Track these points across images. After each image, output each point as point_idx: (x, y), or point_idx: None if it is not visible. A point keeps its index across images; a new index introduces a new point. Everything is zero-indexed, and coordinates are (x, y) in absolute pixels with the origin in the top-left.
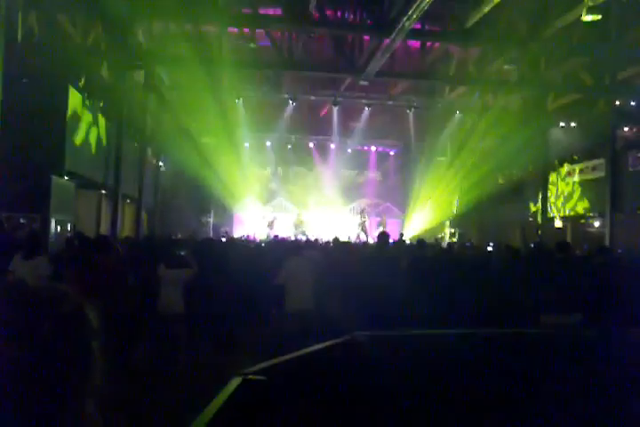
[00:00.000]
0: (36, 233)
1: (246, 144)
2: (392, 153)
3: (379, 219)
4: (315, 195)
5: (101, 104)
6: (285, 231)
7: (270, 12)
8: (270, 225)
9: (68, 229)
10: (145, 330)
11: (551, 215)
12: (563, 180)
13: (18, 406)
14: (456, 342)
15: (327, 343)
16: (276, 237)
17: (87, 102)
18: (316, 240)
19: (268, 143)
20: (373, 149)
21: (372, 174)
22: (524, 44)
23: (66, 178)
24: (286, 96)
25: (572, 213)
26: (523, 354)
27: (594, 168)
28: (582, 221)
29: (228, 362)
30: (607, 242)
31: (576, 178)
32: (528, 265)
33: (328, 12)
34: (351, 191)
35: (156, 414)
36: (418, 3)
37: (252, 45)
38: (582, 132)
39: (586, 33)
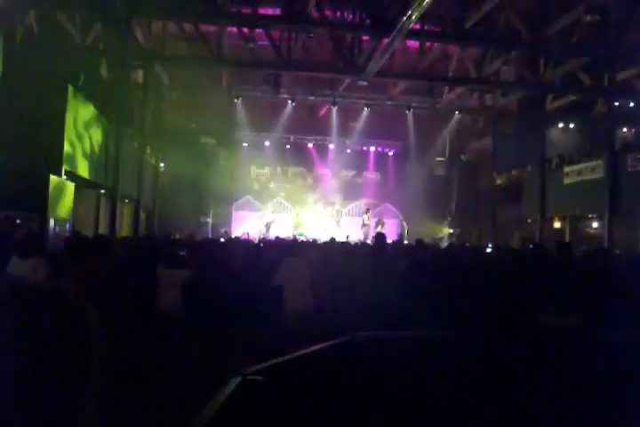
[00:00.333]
0: (34, 233)
1: (245, 144)
2: (391, 153)
3: (376, 219)
4: (313, 195)
5: (100, 103)
6: (284, 232)
7: (270, 11)
8: (267, 227)
9: (67, 228)
10: (144, 330)
11: (550, 216)
12: (562, 180)
13: (17, 405)
14: (456, 343)
15: (327, 344)
16: (277, 238)
17: (86, 102)
18: (315, 240)
19: (267, 143)
20: (372, 149)
21: (371, 175)
22: (523, 45)
23: (64, 177)
24: (285, 96)
25: (570, 214)
26: (522, 354)
27: (592, 169)
28: (581, 221)
29: (227, 362)
30: (605, 243)
31: (575, 179)
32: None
33: (327, 12)
34: (350, 191)
35: (155, 414)
36: (417, 3)
37: (251, 45)
38: (581, 133)
39: (584, 34)
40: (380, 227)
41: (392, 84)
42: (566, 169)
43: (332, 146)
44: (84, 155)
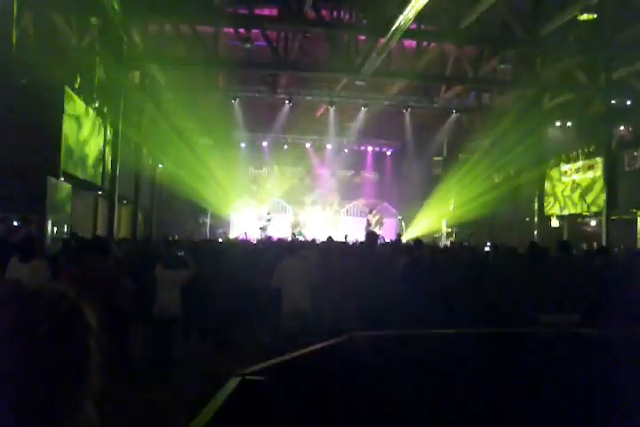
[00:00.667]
0: (32, 235)
1: (242, 144)
2: (388, 153)
3: (375, 219)
4: (311, 195)
5: (97, 105)
6: (282, 232)
7: (266, 12)
8: (263, 229)
9: (65, 230)
10: (143, 330)
11: (548, 214)
12: (559, 179)
13: (16, 406)
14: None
15: (325, 343)
16: (269, 238)
17: (83, 103)
18: (313, 240)
19: (265, 143)
20: (370, 148)
21: (369, 174)
22: (520, 44)
23: (62, 179)
24: (282, 96)
25: (568, 213)
26: (522, 354)
27: (590, 167)
28: (579, 220)
29: (226, 362)
30: (603, 241)
31: (572, 177)
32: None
33: (324, 12)
34: (348, 191)
35: (155, 414)
36: (413, 3)
37: (247, 45)
38: (578, 132)
39: (581, 32)
40: (379, 227)
41: (389, 84)
42: (564, 167)
43: (329, 146)
44: (82, 156)
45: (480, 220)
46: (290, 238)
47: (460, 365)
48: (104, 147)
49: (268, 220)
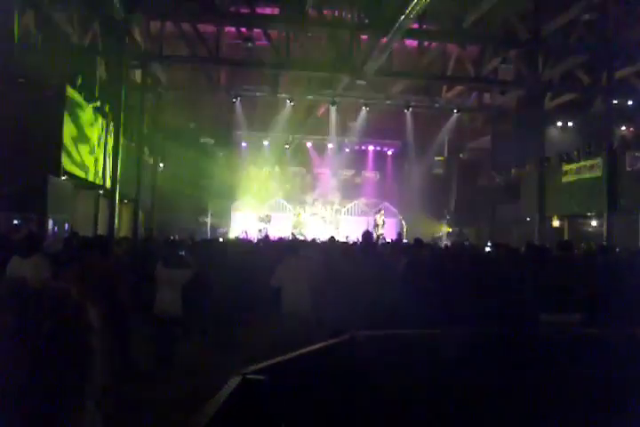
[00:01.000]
0: (33, 232)
1: (244, 144)
2: (390, 152)
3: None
4: (312, 195)
5: (99, 103)
6: (282, 232)
7: (268, 11)
8: (261, 232)
9: (65, 229)
10: (143, 330)
11: (549, 214)
12: (560, 179)
13: (18, 405)
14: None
15: (326, 343)
16: (266, 237)
17: (84, 102)
18: (314, 240)
19: (266, 143)
20: (371, 148)
21: (370, 174)
22: (521, 44)
23: (63, 178)
24: (284, 96)
25: (569, 213)
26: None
27: (591, 167)
28: (580, 220)
29: (227, 362)
30: (605, 241)
31: (573, 177)
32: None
33: (325, 12)
34: (349, 191)
35: (155, 414)
36: (415, 2)
37: (249, 45)
38: (580, 132)
39: (583, 32)
40: (379, 227)
41: (391, 84)
42: (565, 167)
43: (330, 145)
44: (83, 155)
45: (481, 220)
46: (290, 238)
47: (460, 365)
48: (105, 146)
49: (268, 221)
